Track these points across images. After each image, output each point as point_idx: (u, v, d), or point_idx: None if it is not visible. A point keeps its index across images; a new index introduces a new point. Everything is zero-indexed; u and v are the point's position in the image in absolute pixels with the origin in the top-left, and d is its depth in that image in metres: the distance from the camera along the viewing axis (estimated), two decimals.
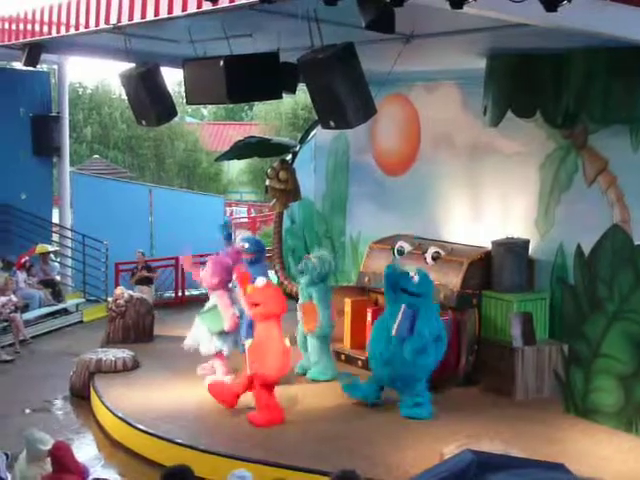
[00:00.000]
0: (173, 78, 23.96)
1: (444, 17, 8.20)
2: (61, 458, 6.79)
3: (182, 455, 9.00)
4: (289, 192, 14.91)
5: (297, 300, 11.99)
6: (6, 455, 6.99)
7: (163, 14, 8.44)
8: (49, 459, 7.00)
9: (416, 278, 10.23)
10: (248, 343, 10.17)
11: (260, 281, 10.34)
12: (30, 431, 7.38)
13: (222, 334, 11.22)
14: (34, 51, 11.70)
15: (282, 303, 10.33)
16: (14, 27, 11.83)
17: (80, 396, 11.88)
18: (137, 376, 11.99)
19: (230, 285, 11.43)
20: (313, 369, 11.70)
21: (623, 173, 10.45)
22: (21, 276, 15.87)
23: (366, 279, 12.79)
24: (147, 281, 16.50)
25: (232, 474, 5.44)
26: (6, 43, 12.17)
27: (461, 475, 3.76)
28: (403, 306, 10.12)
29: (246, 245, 13.13)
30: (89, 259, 17.64)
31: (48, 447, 7.07)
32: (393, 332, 10.10)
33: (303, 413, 10.42)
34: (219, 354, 11.36)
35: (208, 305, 11.52)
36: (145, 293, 15.79)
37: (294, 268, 15.16)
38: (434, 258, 11.86)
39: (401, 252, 12.42)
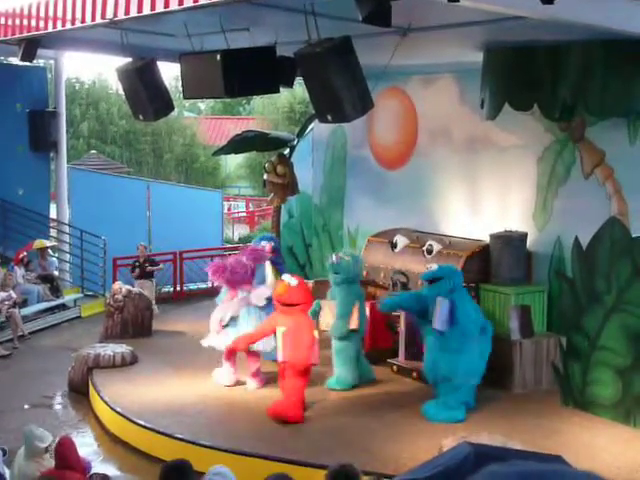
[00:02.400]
0: (170, 72, 23.95)
1: (441, 10, 8.21)
2: (64, 453, 6.79)
3: (181, 450, 9.02)
4: (287, 186, 14.92)
5: None
6: (3, 450, 6.99)
7: (160, 8, 8.41)
8: (47, 455, 7.01)
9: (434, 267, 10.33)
10: (280, 330, 10.04)
11: (292, 279, 10.17)
12: (29, 427, 7.39)
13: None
14: (30, 46, 11.67)
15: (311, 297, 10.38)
16: (10, 22, 11.80)
17: (78, 391, 11.89)
18: (136, 371, 11.99)
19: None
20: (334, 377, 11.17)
21: (620, 166, 10.45)
22: (19, 271, 15.88)
23: (364, 273, 12.79)
24: (148, 275, 16.44)
25: (209, 472, 5.39)
26: (2, 38, 12.14)
27: (459, 468, 3.77)
28: (439, 298, 9.94)
29: (273, 244, 12.88)
30: (87, 254, 17.65)
31: (47, 444, 7.07)
32: (435, 326, 9.90)
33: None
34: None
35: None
36: (146, 288, 15.77)
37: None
38: (429, 251, 11.86)
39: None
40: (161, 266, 16.92)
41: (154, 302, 15.83)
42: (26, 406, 11.54)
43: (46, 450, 7.05)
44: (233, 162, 36.71)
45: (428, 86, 13.49)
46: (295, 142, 16.26)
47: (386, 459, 8.70)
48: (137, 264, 16.46)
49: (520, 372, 10.89)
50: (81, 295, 17.48)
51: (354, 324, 10.96)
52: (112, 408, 10.52)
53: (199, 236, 18.49)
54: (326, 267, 11.51)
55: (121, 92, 13.80)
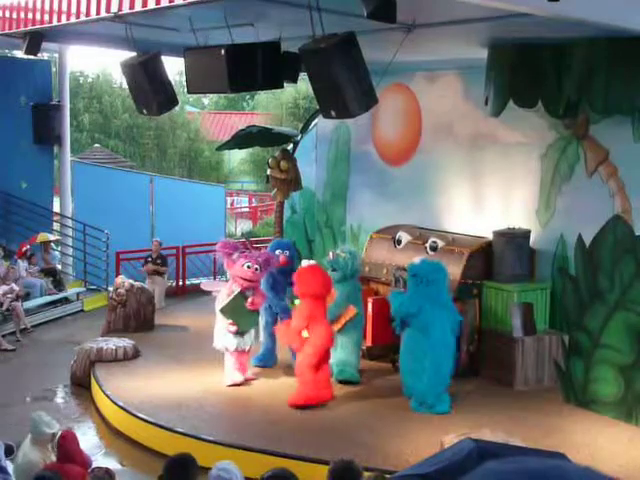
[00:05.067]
0: (174, 67, 23.97)
1: (446, 7, 8.21)
2: (66, 447, 6.80)
3: (182, 444, 9.02)
4: (290, 182, 14.92)
5: None
6: (10, 448, 7.00)
7: (164, 3, 8.42)
8: (51, 444, 7.04)
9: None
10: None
11: (306, 262, 10.44)
12: (38, 413, 7.43)
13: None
14: (35, 40, 11.67)
15: (328, 284, 10.35)
16: (15, 16, 11.81)
17: (81, 385, 11.91)
18: (137, 365, 12.01)
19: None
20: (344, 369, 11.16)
21: (624, 163, 10.43)
22: (22, 265, 15.89)
23: (367, 269, 12.79)
24: (159, 271, 16.42)
25: (216, 467, 5.39)
26: (7, 32, 12.15)
27: (461, 464, 3.75)
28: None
29: (287, 253, 11.97)
30: (90, 248, 17.65)
31: (54, 430, 7.11)
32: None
33: None
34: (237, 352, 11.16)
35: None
36: (158, 283, 15.79)
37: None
38: (433, 248, 11.87)
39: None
40: (166, 268, 16.85)
41: (163, 297, 15.87)
42: (28, 399, 11.56)
43: (52, 437, 7.08)
44: (236, 157, 36.70)
45: (432, 82, 13.48)
46: (299, 138, 16.26)
47: (388, 455, 8.71)
48: (150, 258, 16.45)
49: (522, 369, 10.89)
50: (84, 289, 17.48)
51: (339, 324, 10.97)
52: (114, 402, 10.54)
53: (202, 231, 18.48)
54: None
55: (125, 86, 13.79)
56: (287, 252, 11.97)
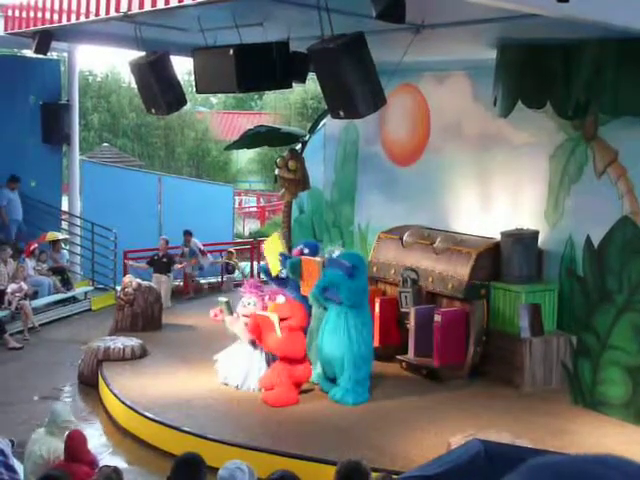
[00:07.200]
0: (183, 67, 24.00)
1: (455, 7, 8.20)
2: (74, 447, 6.81)
3: (189, 443, 9.02)
4: (298, 181, 14.91)
5: None
6: (12, 442, 7.02)
7: (173, 2, 8.43)
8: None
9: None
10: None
11: (281, 298, 10.61)
12: (60, 404, 7.55)
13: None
14: (44, 39, 11.70)
15: (305, 316, 10.67)
16: (25, 15, 11.84)
17: (88, 384, 11.93)
18: (145, 364, 12.03)
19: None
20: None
21: (633, 164, 10.40)
22: (30, 263, 15.91)
23: (374, 269, 12.79)
24: (165, 269, 16.41)
25: (224, 467, 5.36)
26: (17, 31, 12.18)
27: (469, 464, 3.76)
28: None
29: (306, 250, 11.82)
30: (98, 247, 17.68)
31: (74, 422, 7.26)
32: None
33: (311, 403, 10.44)
34: None
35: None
36: (163, 282, 15.79)
37: None
38: (436, 252, 11.86)
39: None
40: (182, 264, 16.97)
41: (169, 297, 15.87)
42: (35, 398, 11.57)
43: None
44: (244, 157, 36.73)
45: (441, 83, 13.46)
46: (307, 138, 16.26)
47: (395, 456, 8.71)
48: (157, 257, 16.44)
49: (530, 371, 10.87)
50: (92, 288, 17.51)
51: None
52: (121, 401, 10.56)
53: (210, 230, 18.50)
54: None
55: (134, 85, 13.80)
56: (306, 250, 11.83)
